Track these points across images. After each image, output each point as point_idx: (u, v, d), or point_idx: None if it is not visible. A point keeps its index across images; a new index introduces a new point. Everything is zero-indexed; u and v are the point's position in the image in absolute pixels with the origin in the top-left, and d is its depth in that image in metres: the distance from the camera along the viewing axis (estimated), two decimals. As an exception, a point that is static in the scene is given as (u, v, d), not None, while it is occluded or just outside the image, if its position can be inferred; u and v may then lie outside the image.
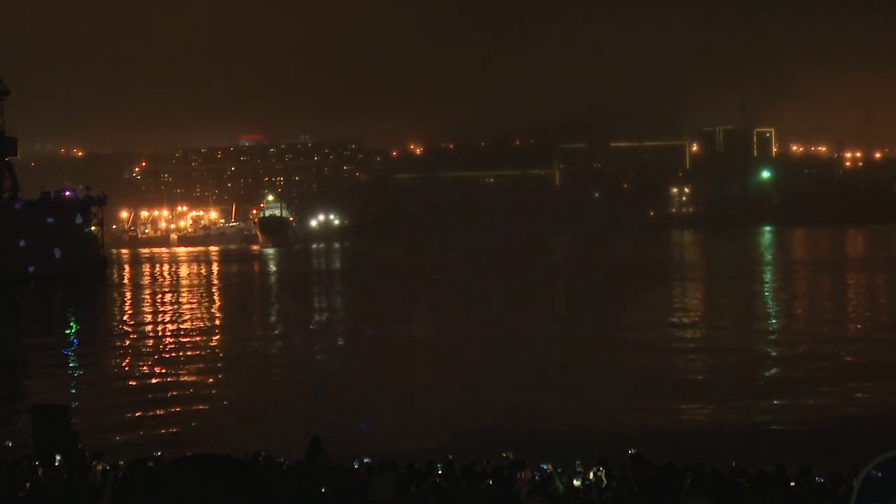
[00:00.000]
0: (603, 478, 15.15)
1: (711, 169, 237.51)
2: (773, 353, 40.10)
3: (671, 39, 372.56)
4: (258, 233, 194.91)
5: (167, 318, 59.39)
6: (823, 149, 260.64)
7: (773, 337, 45.69)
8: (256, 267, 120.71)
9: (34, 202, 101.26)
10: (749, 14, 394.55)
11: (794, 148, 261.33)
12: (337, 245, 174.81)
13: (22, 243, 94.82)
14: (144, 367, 39.80)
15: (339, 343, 46.57)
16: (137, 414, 30.13)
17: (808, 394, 30.20)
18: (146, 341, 48.48)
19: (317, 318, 59.30)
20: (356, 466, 16.07)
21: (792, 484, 14.74)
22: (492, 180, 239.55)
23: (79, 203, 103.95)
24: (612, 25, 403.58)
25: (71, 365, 42.81)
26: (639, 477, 14.97)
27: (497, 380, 31.24)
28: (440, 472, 15.61)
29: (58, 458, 16.72)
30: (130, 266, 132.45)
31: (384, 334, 46.80)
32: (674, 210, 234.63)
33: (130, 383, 36.25)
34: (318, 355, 41.67)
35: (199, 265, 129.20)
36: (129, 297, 79.79)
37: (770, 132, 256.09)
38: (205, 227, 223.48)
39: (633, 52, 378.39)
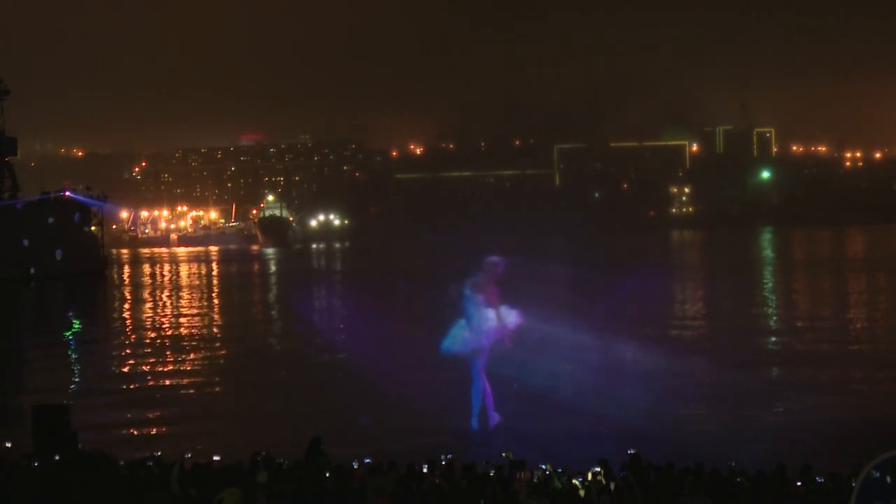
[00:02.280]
0: (602, 478, 15.14)
1: (711, 169, 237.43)
2: (773, 353, 40.09)
3: (671, 39, 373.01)
4: (258, 233, 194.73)
5: (167, 318, 59.39)
6: (823, 149, 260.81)
7: (772, 336, 45.67)
8: (256, 267, 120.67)
9: (35, 202, 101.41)
10: (749, 13, 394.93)
11: (794, 148, 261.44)
12: (337, 245, 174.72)
13: (25, 243, 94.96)
14: (145, 367, 39.79)
15: (339, 343, 46.50)
16: (138, 413, 30.13)
17: (808, 393, 30.18)
18: (146, 341, 48.47)
19: (316, 317, 59.24)
20: (356, 466, 16.06)
21: (798, 484, 14.74)
22: (492, 180, 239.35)
23: (79, 204, 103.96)
24: (612, 25, 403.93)
25: (71, 364, 42.82)
26: (638, 477, 14.97)
27: (497, 379, 31.18)
28: (440, 472, 15.60)
29: (57, 458, 16.70)
30: (130, 266, 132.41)
31: (384, 334, 46.76)
32: (674, 210, 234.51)
33: (131, 383, 36.25)
34: (318, 355, 41.63)
35: (199, 265, 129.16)
36: (129, 297, 79.77)
37: (770, 132, 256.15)
38: (205, 227, 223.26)
39: (633, 51, 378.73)
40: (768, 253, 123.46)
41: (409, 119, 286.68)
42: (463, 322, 24.71)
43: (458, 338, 24.67)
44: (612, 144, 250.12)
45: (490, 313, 24.54)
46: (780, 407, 28.62)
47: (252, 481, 14.84)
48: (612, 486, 14.92)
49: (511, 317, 24.71)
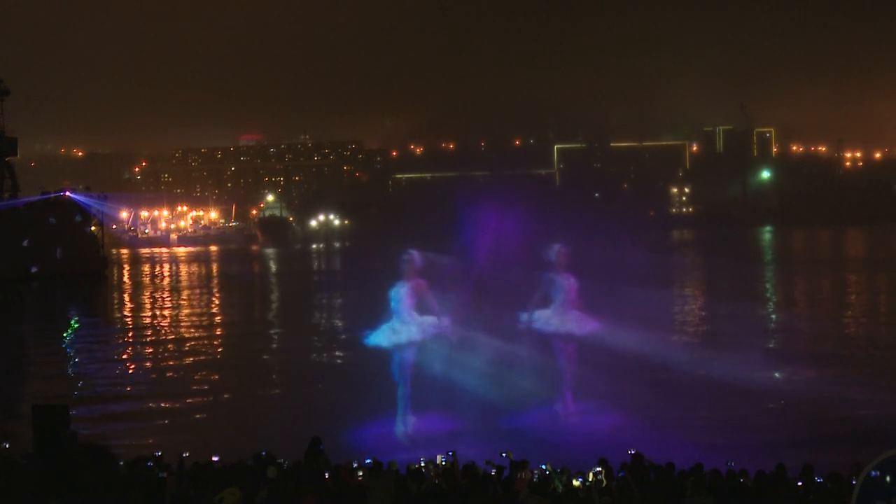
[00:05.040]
0: (603, 478, 15.12)
1: (711, 169, 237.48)
2: (773, 353, 40.06)
3: (671, 39, 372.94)
4: (258, 233, 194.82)
5: (167, 318, 59.39)
6: (823, 149, 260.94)
7: (772, 336, 45.66)
8: (256, 267, 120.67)
9: (36, 202, 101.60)
10: (749, 13, 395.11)
11: (794, 148, 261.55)
12: (337, 245, 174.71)
13: (25, 243, 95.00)
14: (144, 367, 39.81)
15: (339, 343, 46.51)
16: (138, 414, 30.14)
17: (808, 393, 30.18)
18: (146, 341, 48.50)
19: (317, 317, 59.24)
20: (355, 467, 16.05)
21: (799, 484, 14.74)
22: (492, 180, 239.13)
23: (79, 204, 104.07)
24: (612, 26, 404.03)
25: (71, 364, 42.81)
26: (638, 477, 14.96)
27: (496, 379, 31.16)
28: (440, 472, 15.60)
29: (57, 452, 16.69)
30: (130, 266, 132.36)
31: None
32: (674, 210, 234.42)
33: (130, 383, 36.25)
34: (318, 355, 41.64)
35: (199, 265, 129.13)
36: (129, 297, 79.78)
37: (770, 132, 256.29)
38: (205, 227, 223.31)
39: (633, 51, 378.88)
40: (768, 253, 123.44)
41: (410, 119, 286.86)
42: (393, 318, 25.11)
43: (387, 333, 25.07)
44: (612, 144, 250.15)
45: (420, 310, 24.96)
46: (779, 406, 28.61)
47: (261, 476, 14.86)
48: (613, 486, 14.91)
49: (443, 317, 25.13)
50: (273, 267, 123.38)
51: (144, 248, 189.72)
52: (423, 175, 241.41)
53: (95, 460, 3.03)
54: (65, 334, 54.18)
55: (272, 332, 53.26)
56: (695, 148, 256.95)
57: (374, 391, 27.36)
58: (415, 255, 25.29)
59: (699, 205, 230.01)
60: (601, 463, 15.49)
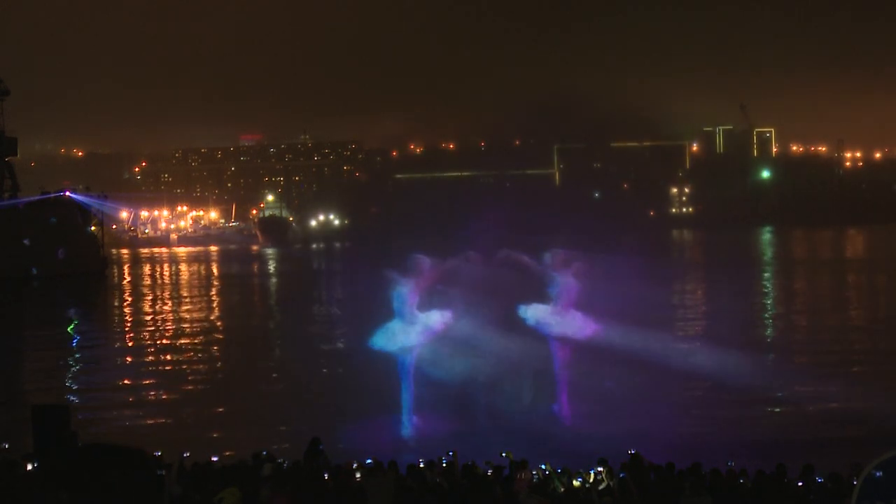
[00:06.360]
0: (604, 478, 15.12)
1: (711, 169, 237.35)
2: (773, 353, 40.06)
3: (671, 39, 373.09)
4: (258, 233, 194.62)
5: (167, 318, 59.35)
6: (823, 149, 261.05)
7: (772, 336, 45.66)
8: (256, 267, 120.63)
9: (37, 202, 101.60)
10: (749, 13, 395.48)
11: (794, 148, 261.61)
12: (337, 245, 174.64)
13: (26, 242, 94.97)
14: (144, 367, 39.79)
15: (340, 343, 46.49)
16: (137, 413, 30.14)
17: (808, 394, 30.19)
18: (146, 341, 48.47)
19: (317, 318, 59.20)
20: (355, 467, 16.05)
21: (800, 484, 14.75)
22: (492, 180, 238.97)
23: (79, 204, 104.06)
24: (611, 26, 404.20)
25: (71, 364, 42.80)
26: (637, 477, 14.96)
27: (496, 379, 31.15)
28: (440, 472, 15.60)
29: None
30: (130, 266, 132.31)
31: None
32: (674, 210, 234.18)
33: (130, 383, 36.24)
34: (317, 355, 41.63)
35: (199, 265, 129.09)
36: (129, 298, 79.74)
37: (770, 132, 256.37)
38: (205, 227, 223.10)
39: (634, 51, 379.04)
40: (768, 253, 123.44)
41: (409, 119, 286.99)
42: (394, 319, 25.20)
43: (388, 334, 25.15)
44: (612, 144, 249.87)
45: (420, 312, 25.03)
46: (779, 407, 28.62)
47: (256, 475, 14.86)
48: (613, 485, 14.91)
49: (438, 317, 25.17)
50: (272, 267, 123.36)
51: (144, 248, 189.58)
52: (423, 175, 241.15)
53: (129, 462, 3.00)
54: (66, 334, 54.18)
55: (272, 332, 53.25)
56: (695, 148, 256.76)
57: (375, 392, 27.41)
58: (416, 256, 25.32)
59: (699, 205, 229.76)
60: (601, 463, 15.49)
